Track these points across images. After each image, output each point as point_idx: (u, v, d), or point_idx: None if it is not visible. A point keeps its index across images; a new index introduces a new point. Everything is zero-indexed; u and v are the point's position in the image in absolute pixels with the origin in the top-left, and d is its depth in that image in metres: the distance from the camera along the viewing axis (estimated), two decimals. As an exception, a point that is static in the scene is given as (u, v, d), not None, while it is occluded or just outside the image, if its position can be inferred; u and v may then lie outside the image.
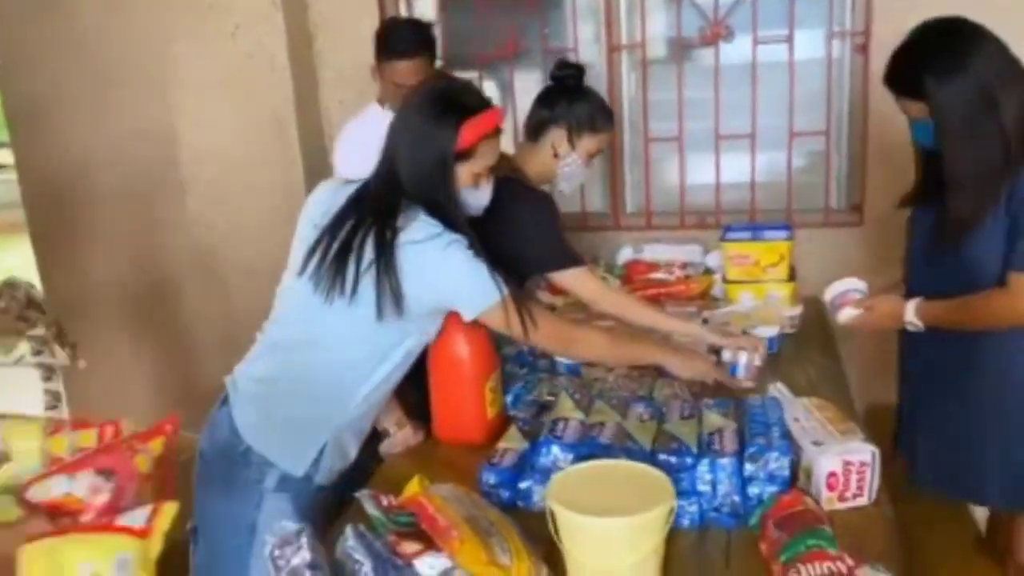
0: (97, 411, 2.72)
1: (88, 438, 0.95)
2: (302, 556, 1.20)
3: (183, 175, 3.04)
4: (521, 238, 2.03)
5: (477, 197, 1.71)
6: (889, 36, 2.39)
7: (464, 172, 1.64)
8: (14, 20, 3.07)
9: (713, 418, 1.56)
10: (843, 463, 1.45)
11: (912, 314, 1.79)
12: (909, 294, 1.97)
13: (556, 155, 2.11)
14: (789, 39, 2.64)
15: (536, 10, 2.84)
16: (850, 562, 1.24)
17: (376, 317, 1.58)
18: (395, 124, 1.66)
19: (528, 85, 2.90)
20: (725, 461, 1.42)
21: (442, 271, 1.60)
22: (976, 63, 1.62)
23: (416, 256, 1.57)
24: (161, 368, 3.27)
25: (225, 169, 2.96)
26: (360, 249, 1.59)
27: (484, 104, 1.66)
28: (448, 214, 1.63)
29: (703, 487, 1.42)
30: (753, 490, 1.44)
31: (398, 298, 1.57)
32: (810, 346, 2.21)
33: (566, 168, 2.13)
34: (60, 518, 0.96)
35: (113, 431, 1.22)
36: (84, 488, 0.96)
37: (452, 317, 1.69)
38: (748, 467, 1.43)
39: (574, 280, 2.09)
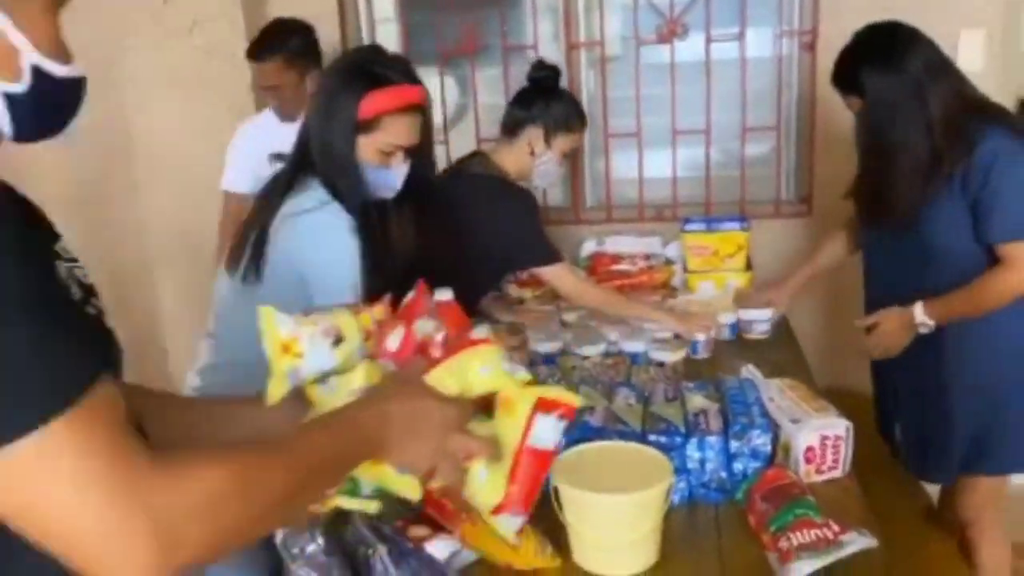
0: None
1: (380, 311, 1.05)
2: (316, 544, 1.22)
3: (137, 174, 2.99)
4: (505, 233, 2.09)
5: (385, 177, 1.64)
6: (835, 35, 2.52)
7: (367, 145, 1.60)
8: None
9: (696, 400, 1.63)
10: (820, 437, 1.54)
11: (921, 315, 1.87)
12: (869, 284, 2.09)
13: (532, 153, 2.19)
14: (741, 37, 2.74)
15: (496, 7, 2.87)
16: (836, 528, 1.32)
17: (242, 281, 1.61)
18: (314, 91, 1.71)
19: (488, 81, 2.94)
20: (712, 439, 1.49)
21: (311, 245, 1.58)
22: (907, 60, 1.80)
23: (290, 227, 1.57)
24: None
25: (182, 167, 2.91)
26: (261, 228, 1.61)
27: (401, 79, 1.61)
28: (347, 188, 1.60)
29: (692, 465, 1.49)
30: (738, 466, 1.51)
31: (260, 264, 1.59)
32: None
33: (542, 166, 2.21)
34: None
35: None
36: (424, 330, 1.04)
37: (440, 311, 1.71)
38: (733, 444, 1.51)
39: (556, 275, 2.16)
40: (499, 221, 2.10)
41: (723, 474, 1.50)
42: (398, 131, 1.61)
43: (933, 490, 2.29)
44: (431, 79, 2.95)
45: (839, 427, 1.55)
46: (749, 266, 2.54)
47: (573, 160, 2.95)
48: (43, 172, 2.99)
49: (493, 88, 2.91)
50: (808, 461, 1.55)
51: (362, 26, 2.99)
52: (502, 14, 2.87)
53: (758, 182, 2.89)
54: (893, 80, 1.81)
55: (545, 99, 2.19)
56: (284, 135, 2.16)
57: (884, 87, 1.81)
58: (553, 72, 2.24)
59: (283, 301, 1.35)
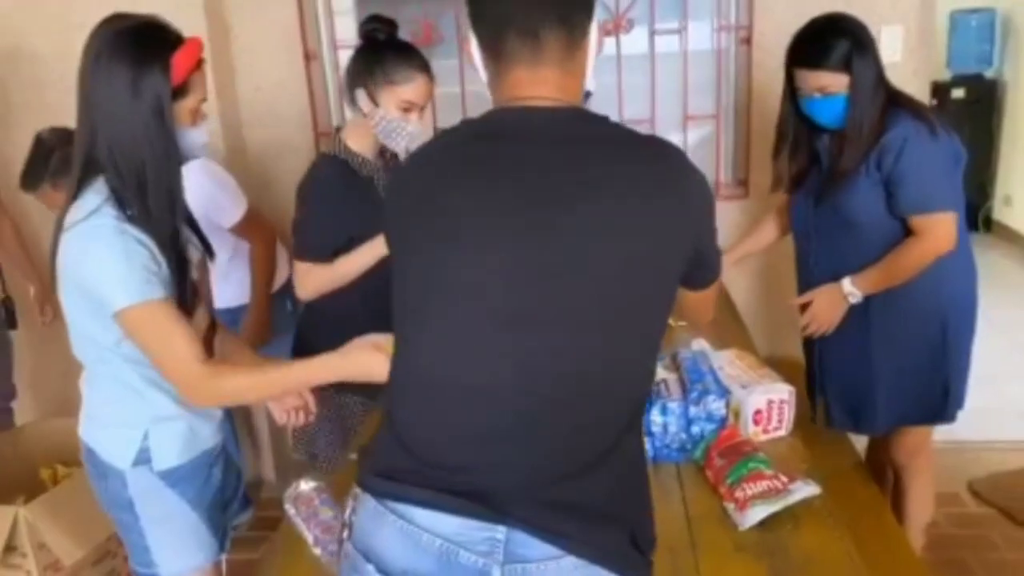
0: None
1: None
2: (326, 512, 1.37)
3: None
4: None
5: (197, 135, 1.56)
6: (769, 30, 2.72)
7: (183, 110, 1.50)
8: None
9: (657, 370, 1.81)
10: (767, 401, 1.73)
11: (849, 286, 2.08)
12: (801, 264, 2.29)
13: (366, 115, 1.99)
14: (682, 31, 2.91)
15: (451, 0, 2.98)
16: (784, 479, 1.52)
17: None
18: (85, 90, 1.47)
19: (445, 72, 3.04)
20: (674, 405, 1.67)
21: (87, 256, 1.45)
22: (873, 46, 1.99)
23: (63, 242, 1.48)
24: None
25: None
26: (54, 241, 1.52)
27: (179, 34, 1.50)
28: (154, 166, 1.46)
29: (656, 428, 1.66)
30: (696, 428, 1.69)
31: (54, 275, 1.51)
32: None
33: (380, 126, 1.98)
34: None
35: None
36: None
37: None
38: (692, 409, 1.68)
39: (298, 270, 2.07)
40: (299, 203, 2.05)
41: (683, 435, 1.68)
42: (202, 85, 1.54)
43: (860, 446, 2.53)
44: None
45: (783, 392, 1.75)
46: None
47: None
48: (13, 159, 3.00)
49: (450, 79, 3.02)
50: (756, 423, 1.74)
51: (320, 18, 3.06)
52: (456, 5, 2.97)
53: (699, 166, 3.05)
54: (872, 62, 1.98)
55: (369, 56, 1.97)
56: None
57: (869, 66, 1.98)
58: (389, 26, 2.01)
59: (78, 312, 1.52)
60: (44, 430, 2.78)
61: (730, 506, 1.50)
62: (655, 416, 1.66)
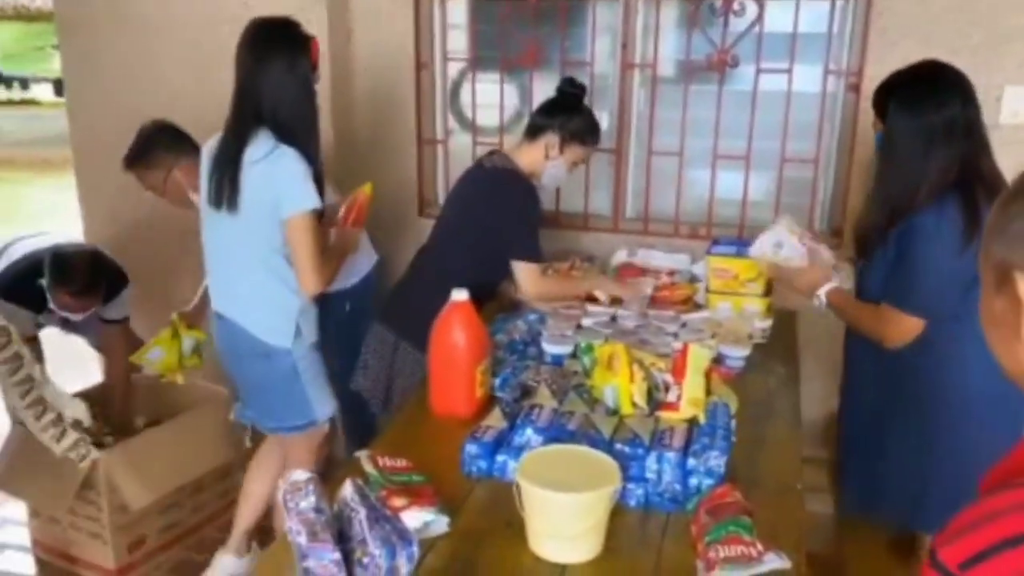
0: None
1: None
2: (308, 501, 1.45)
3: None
4: (502, 220, 2.41)
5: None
6: (880, 78, 2.62)
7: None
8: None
9: (669, 416, 1.82)
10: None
11: (823, 290, 2.08)
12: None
13: (547, 156, 2.47)
14: (789, 71, 2.84)
15: (559, 24, 3.05)
16: (760, 548, 1.49)
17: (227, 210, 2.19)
18: (250, 69, 2.17)
19: (546, 92, 3.11)
20: (670, 455, 1.67)
21: (274, 180, 2.14)
22: (931, 110, 1.86)
23: (257, 172, 2.14)
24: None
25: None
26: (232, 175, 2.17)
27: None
28: (304, 125, 2.19)
29: (650, 475, 1.67)
30: (693, 481, 1.68)
31: (236, 199, 2.17)
32: (774, 357, 2.44)
33: (552, 169, 2.49)
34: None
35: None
36: None
37: (454, 309, 1.94)
38: (691, 461, 1.68)
39: (528, 274, 2.44)
40: (499, 208, 2.40)
41: (677, 486, 1.67)
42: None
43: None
44: (493, 85, 3.15)
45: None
46: (769, 291, 2.67)
47: (617, 172, 3.12)
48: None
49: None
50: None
51: (435, 29, 3.20)
52: (565, 30, 3.04)
53: (793, 211, 2.98)
54: (912, 124, 1.87)
55: (568, 112, 2.48)
56: None
57: (903, 126, 1.89)
58: (580, 91, 2.52)
59: (260, 224, 2.18)
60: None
61: (700, 564, 1.49)
62: (650, 463, 1.67)
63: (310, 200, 2.16)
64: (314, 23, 3.00)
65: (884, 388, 2.05)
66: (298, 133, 2.17)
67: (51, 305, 2.70)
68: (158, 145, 2.68)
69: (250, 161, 2.15)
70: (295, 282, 2.23)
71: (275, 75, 2.14)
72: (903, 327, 1.92)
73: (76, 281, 2.66)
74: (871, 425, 2.10)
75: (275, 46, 2.16)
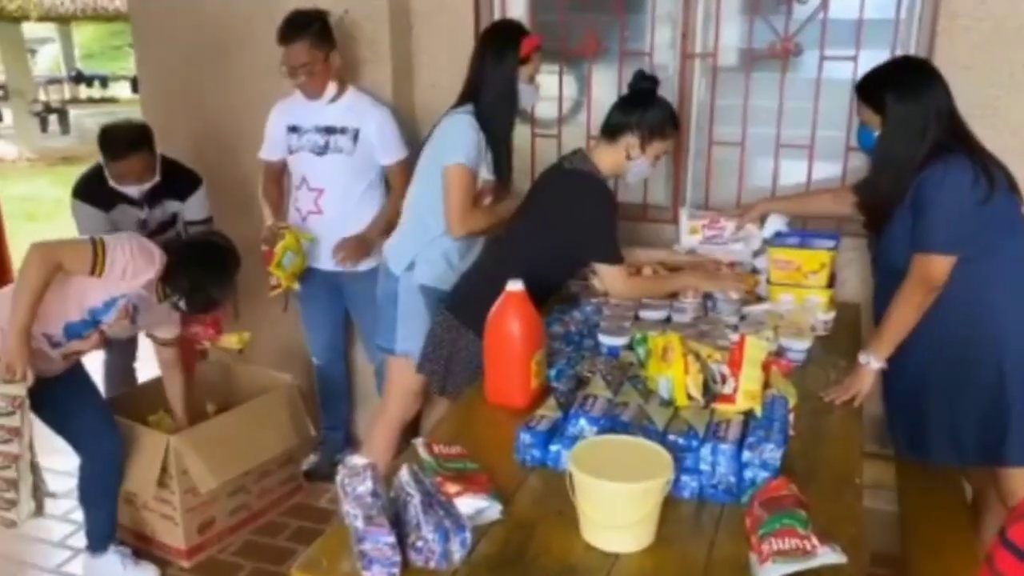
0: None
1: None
2: (366, 485, 1.49)
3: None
4: (581, 224, 2.41)
5: (530, 90, 2.67)
6: (949, 63, 2.53)
7: (523, 74, 2.62)
8: None
9: (725, 408, 1.81)
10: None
11: (864, 357, 2.17)
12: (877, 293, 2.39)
13: (629, 157, 2.45)
14: (855, 59, 2.78)
15: (618, 14, 3.03)
16: (815, 542, 1.48)
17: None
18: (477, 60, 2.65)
19: (605, 82, 3.11)
20: (725, 447, 1.66)
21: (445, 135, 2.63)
22: (926, 94, 2.11)
23: (441, 127, 2.67)
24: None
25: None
26: None
27: (525, 28, 2.69)
28: (504, 104, 2.62)
29: (704, 467, 1.66)
30: (748, 474, 1.67)
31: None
32: (836, 349, 2.40)
33: (635, 168, 2.49)
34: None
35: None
36: None
37: (509, 299, 1.96)
38: (746, 454, 1.67)
39: (612, 276, 2.45)
40: (578, 211, 2.40)
41: (732, 478, 1.66)
42: (539, 61, 2.66)
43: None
44: (552, 75, 3.15)
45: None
46: (831, 283, 2.62)
47: (676, 162, 3.10)
48: (221, 128, 3.44)
49: (608, 89, 3.07)
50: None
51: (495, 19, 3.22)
52: (624, 20, 3.02)
53: (857, 201, 2.92)
54: (912, 107, 2.10)
55: (643, 107, 2.45)
56: (306, 112, 3.00)
57: (903, 111, 2.10)
58: (652, 83, 2.48)
59: (431, 172, 2.64)
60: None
61: (753, 557, 1.49)
62: (704, 455, 1.66)
63: (463, 156, 2.55)
64: (374, 17, 3.07)
65: (926, 341, 2.18)
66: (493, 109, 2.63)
67: (111, 183, 2.89)
68: (324, 29, 2.88)
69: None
70: (435, 224, 2.63)
71: (489, 64, 2.62)
72: (935, 267, 2.09)
73: (120, 140, 2.86)
74: (914, 376, 2.26)
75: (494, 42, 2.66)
